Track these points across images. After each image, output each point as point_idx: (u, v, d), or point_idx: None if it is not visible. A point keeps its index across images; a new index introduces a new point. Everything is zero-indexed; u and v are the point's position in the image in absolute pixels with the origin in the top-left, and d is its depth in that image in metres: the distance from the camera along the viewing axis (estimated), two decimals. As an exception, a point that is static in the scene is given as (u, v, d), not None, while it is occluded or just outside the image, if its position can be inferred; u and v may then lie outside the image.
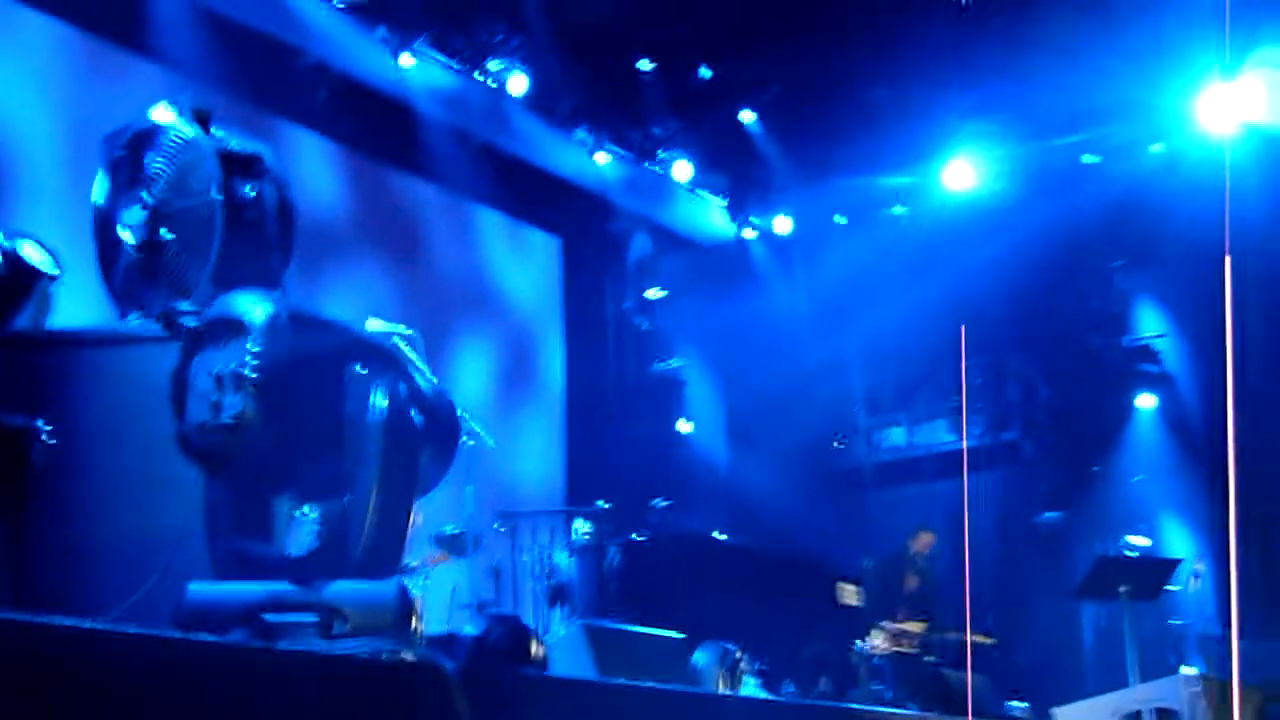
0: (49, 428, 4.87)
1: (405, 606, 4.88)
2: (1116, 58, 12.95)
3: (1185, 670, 10.94)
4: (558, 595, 11.02)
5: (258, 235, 5.87)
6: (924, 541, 12.54)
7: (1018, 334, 15.07)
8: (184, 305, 5.66)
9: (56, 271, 5.90)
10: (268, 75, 11.32)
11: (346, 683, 4.40)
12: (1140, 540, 12.55)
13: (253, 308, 5.13)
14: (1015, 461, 15.39)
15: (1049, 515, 15.06)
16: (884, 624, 11.81)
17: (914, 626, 12.03)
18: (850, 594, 11.77)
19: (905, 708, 11.14)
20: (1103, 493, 14.76)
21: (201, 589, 4.84)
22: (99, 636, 3.77)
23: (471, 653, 5.37)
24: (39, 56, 10.18)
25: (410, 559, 9.92)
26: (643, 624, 8.71)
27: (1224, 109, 13.30)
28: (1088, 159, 14.53)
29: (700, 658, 8.47)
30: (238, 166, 5.87)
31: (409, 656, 4.73)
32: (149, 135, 5.95)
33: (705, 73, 14.31)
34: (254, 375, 4.98)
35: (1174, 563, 11.86)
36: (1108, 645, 12.97)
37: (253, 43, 11.21)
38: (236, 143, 5.97)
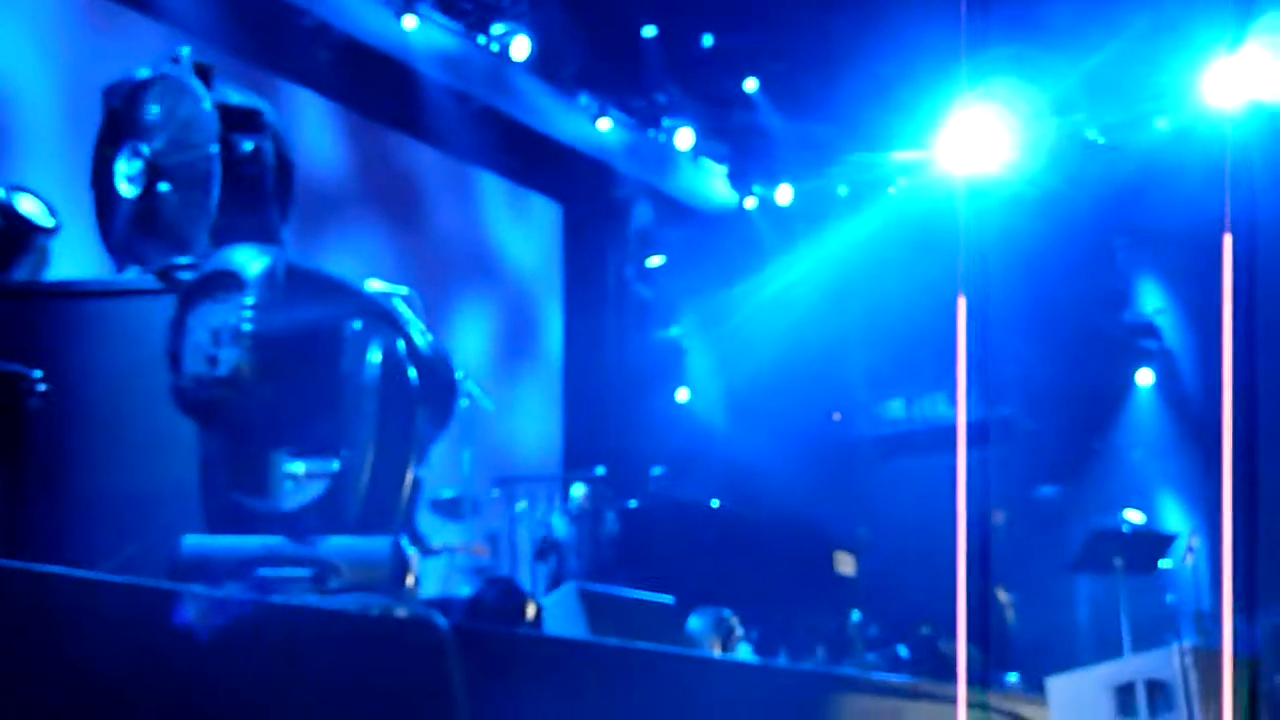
0: (42, 377, 4.85)
1: (400, 563, 4.87)
2: (1121, 33, 12.90)
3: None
4: (552, 560, 11.03)
5: (256, 190, 5.84)
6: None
7: (1018, 308, 15.04)
8: (181, 259, 5.63)
9: (53, 224, 5.89)
10: (269, 34, 11.27)
11: (339, 637, 4.40)
12: (1136, 515, 12.54)
13: (250, 262, 5.11)
14: (1014, 436, 15.38)
15: (1047, 490, 15.06)
16: None
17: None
18: (847, 564, 11.78)
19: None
20: (1101, 468, 14.77)
21: (196, 542, 4.83)
22: (93, 586, 3.77)
23: (467, 613, 5.37)
24: (38, 9, 10.13)
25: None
26: (639, 590, 8.71)
27: (1230, 84, 13.24)
28: (1091, 134, 14.47)
29: (695, 623, 8.48)
30: (237, 121, 5.84)
31: (402, 612, 4.72)
32: (148, 87, 5.92)
33: (709, 40, 14.26)
34: (250, 329, 4.96)
35: (1169, 537, 11.87)
36: (1103, 620, 12.98)
37: (256, 1, 11.16)
38: (237, 97, 5.94)
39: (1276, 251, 13.09)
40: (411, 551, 5.05)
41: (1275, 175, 12.91)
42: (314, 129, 11.95)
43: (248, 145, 5.84)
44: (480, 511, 10.86)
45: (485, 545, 10.45)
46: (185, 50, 6.01)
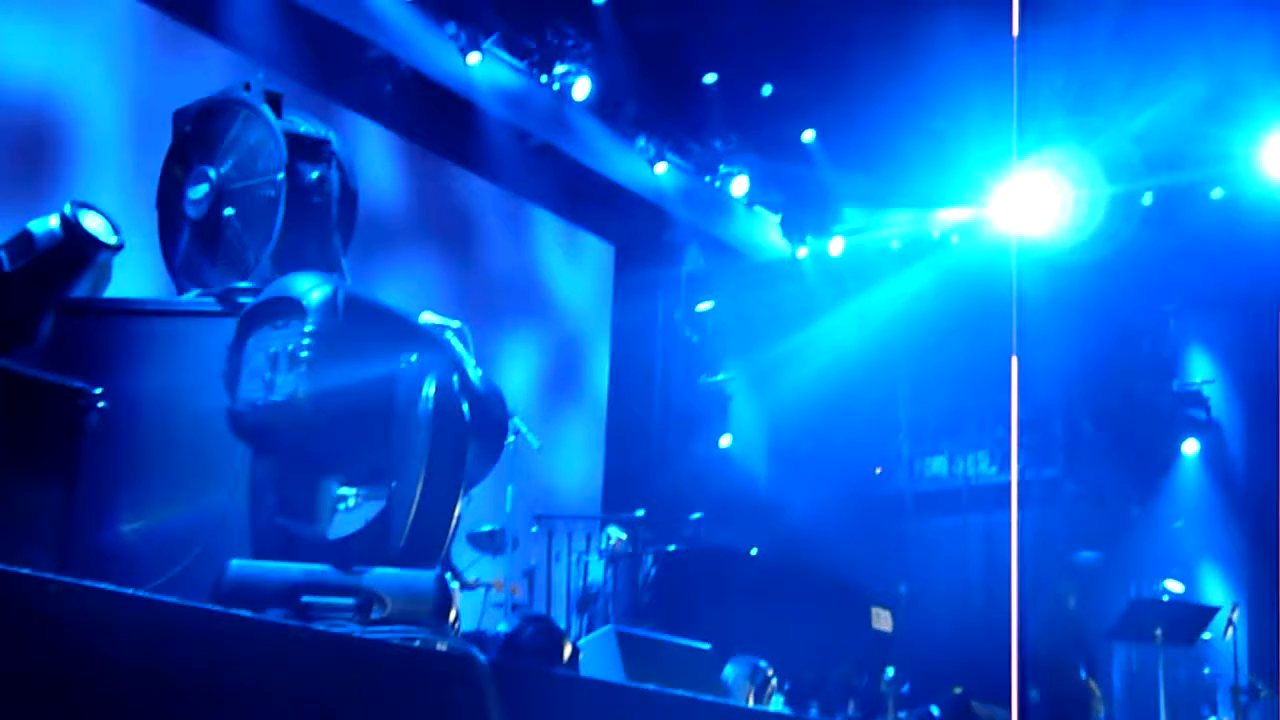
0: (101, 393, 4.90)
1: (444, 597, 4.88)
2: (1181, 101, 12.88)
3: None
4: (589, 600, 11.02)
5: (320, 218, 5.89)
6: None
7: (1067, 371, 14.97)
8: (242, 283, 5.68)
9: (117, 241, 5.94)
10: (336, 64, 11.40)
11: (380, 668, 4.40)
12: (1176, 585, 12.46)
13: (311, 289, 5.14)
14: (1056, 498, 15.29)
15: (1086, 554, 14.96)
16: None
17: None
18: (884, 620, 11.72)
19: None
20: (1142, 535, 14.66)
21: (242, 566, 4.86)
22: (139, 605, 3.79)
23: (504, 649, 5.37)
24: (110, 30, 10.26)
25: (463, 568, 9.98)
26: (674, 634, 8.69)
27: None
28: (1148, 199, 14.44)
29: (730, 671, 8.46)
30: (305, 149, 5.90)
31: (443, 646, 4.73)
32: (218, 112, 5.99)
33: (768, 89, 14.31)
34: (308, 356, 4.99)
35: (1210, 610, 11.77)
36: (1138, 690, 12.88)
37: (323, 31, 11.28)
38: (305, 126, 6.00)
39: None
40: (454, 586, 5.06)
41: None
42: (375, 159, 12.05)
43: (313, 174, 5.89)
44: (519, 547, 10.86)
45: (519, 584, 10.44)
46: (257, 77, 6.08)
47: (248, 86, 5.96)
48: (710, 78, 14.03)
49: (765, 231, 16.02)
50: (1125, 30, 12.28)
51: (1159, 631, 10.96)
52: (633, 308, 15.05)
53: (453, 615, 4.91)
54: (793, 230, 15.92)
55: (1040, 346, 14.04)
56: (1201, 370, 14.88)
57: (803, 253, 16.02)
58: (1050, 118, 13.12)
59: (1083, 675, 10.92)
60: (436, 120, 12.56)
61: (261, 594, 4.75)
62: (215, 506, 5.25)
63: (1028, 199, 14.42)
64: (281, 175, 5.74)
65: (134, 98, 10.14)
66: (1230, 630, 12.21)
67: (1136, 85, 12.62)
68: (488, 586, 10.13)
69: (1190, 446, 14.82)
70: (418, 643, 4.70)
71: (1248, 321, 13.50)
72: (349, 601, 4.79)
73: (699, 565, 11.01)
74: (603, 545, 11.39)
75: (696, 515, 12.70)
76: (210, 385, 5.25)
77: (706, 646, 8.12)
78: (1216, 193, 14.20)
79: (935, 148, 14.19)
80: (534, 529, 11.33)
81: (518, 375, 13.28)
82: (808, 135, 14.82)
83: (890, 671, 11.62)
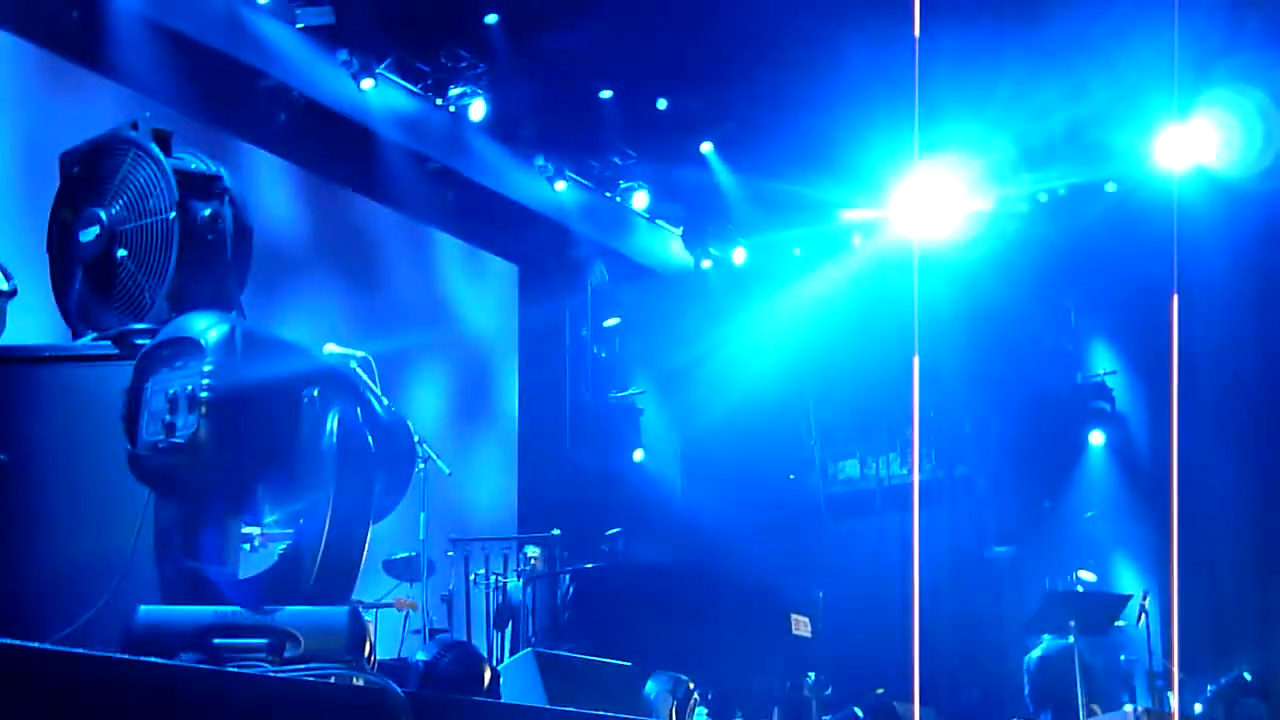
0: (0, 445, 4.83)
1: (358, 632, 4.84)
2: (1073, 97, 13.07)
3: (1127, 708, 11.02)
4: (508, 623, 10.99)
5: (215, 256, 5.83)
6: None
7: (972, 369, 15.13)
8: (138, 325, 5.61)
9: (9, 288, 5.85)
10: (228, 95, 11.31)
11: (297, 707, 4.37)
12: (1088, 575, 12.62)
13: (208, 328, 5.09)
14: (967, 495, 15.44)
15: (999, 549, 15.12)
16: None
17: None
18: (803, 625, 11.76)
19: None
20: (1053, 528, 14.83)
21: (151, 611, 4.79)
22: (48, 657, 3.74)
23: (423, 679, 5.34)
24: (-8, 71, 10.13)
25: (379, 595, 9.92)
26: (595, 653, 8.68)
27: (1177, 150, 13.48)
28: (1044, 196, 14.64)
29: (652, 687, 8.46)
30: (196, 187, 5.84)
31: (360, 682, 4.70)
32: (106, 152, 5.91)
33: (663, 103, 14.37)
34: (208, 395, 4.93)
35: (1123, 598, 11.93)
36: (1056, 679, 13.00)
37: (213, 62, 11.19)
38: (195, 163, 5.94)
39: (1220, 311, 13.29)
40: (368, 619, 5.03)
41: (1219, 238, 13.12)
42: (271, 189, 11.97)
43: (206, 211, 5.82)
44: (435, 572, 10.82)
45: (413, 600, 10.36)
46: (145, 115, 6.01)
47: (135, 126, 5.89)
48: (606, 94, 14.07)
49: (668, 244, 16.08)
50: (1019, 28, 12.44)
51: (1073, 622, 11.09)
52: (539, 327, 15.04)
53: (368, 649, 4.87)
54: (695, 242, 15.99)
55: (945, 345, 14.25)
56: (1104, 362, 15.09)
57: (706, 264, 16.09)
58: (946, 118, 13.27)
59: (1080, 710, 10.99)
60: (333, 148, 12.50)
61: (173, 639, 4.69)
62: (122, 552, 5.17)
63: (926, 200, 14.58)
64: (174, 214, 5.67)
65: (19, 138, 10.00)
66: (1143, 617, 12.39)
67: (1030, 83, 12.77)
68: (385, 606, 10.05)
69: (1096, 438, 15.02)
70: (333, 679, 4.66)
71: (1146, 312, 13.70)
72: (262, 642, 4.74)
73: (617, 582, 11.01)
74: (520, 566, 11.36)
75: (613, 531, 12.70)
76: (111, 430, 5.18)
77: (627, 664, 8.12)
78: (1110, 186, 14.42)
79: (834, 152, 14.30)
80: (450, 553, 11.29)
81: (426, 400, 13.23)
82: (705, 147, 14.90)
83: (812, 676, 11.68)
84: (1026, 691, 11.93)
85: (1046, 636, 11.63)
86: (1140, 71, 12.39)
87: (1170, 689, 12.05)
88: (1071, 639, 11.07)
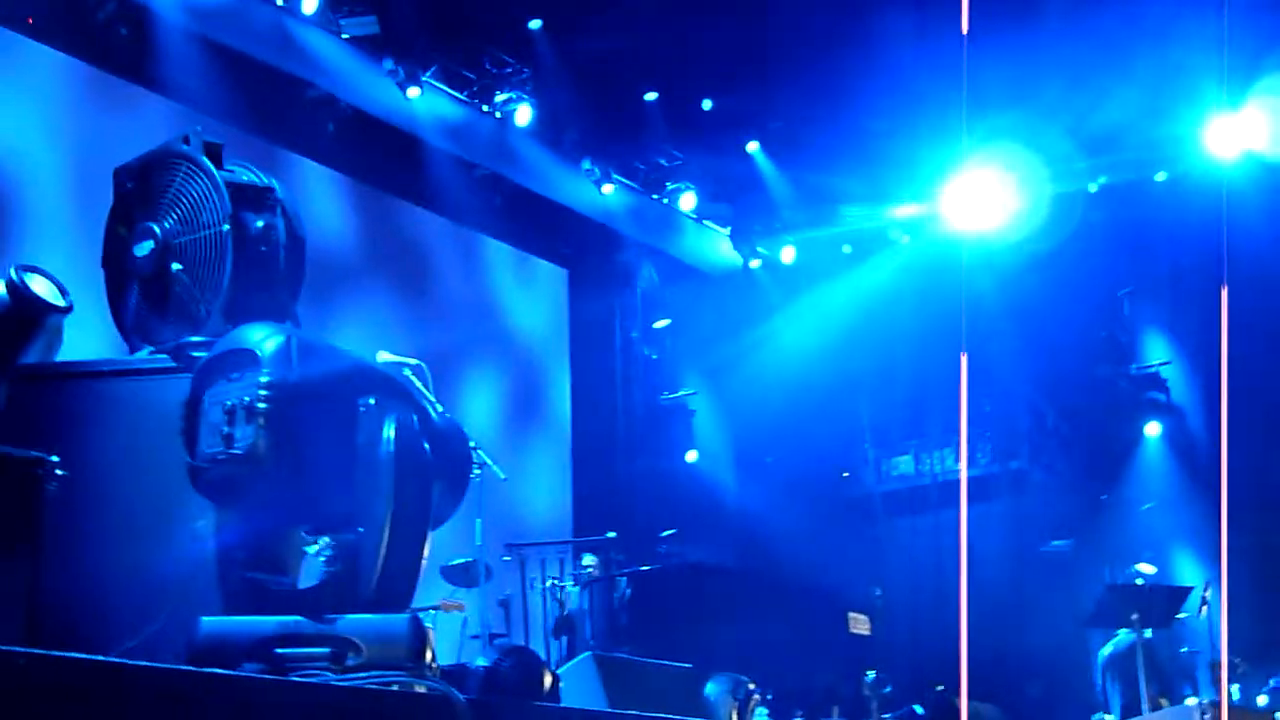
0: (59, 461, 4.86)
1: (419, 639, 4.86)
2: (1123, 86, 12.97)
3: (1190, 700, 10.92)
4: (566, 627, 11.01)
5: (268, 268, 5.86)
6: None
7: (1026, 362, 15.05)
8: (194, 338, 5.65)
9: (65, 304, 5.89)
10: (275, 108, 11.38)
11: (361, 715, 4.39)
12: (1148, 568, 12.51)
13: (264, 340, 5.12)
14: (1023, 489, 15.35)
15: (1057, 543, 15.01)
16: None
17: None
18: (861, 624, 11.74)
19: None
20: (1111, 520, 14.73)
21: (213, 623, 4.82)
22: (113, 670, 3.77)
23: (483, 684, 5.35)
24: (45, 90, 10.22)
25: (425, 600, 9.93)
26: (653, 655, 8.68)
27: (1228, 138, 13.36)
28: (1094, 187, 14.54)
29: (712, 689, 8.45)
30: (248, 199, 5.87)
31: (421, 689, 4.71)
32: (159, 167, 5.95)
33: (708, 103, 14.36)
34: (265, 407, 4.96)
35: (1184, 590, 11.83)
36: (1119, 673, 12.91)
37: (260, 75, 11.27)
38: (247, 175, 5.97)
39: (1273, 302, 13.16)
40: (428, 626, 5.04)
41: (1271, 226, 13.00)
42: (321, 199, 12.02)
43: (259, 223, 5.86)
44: (493, 577, 10.84)
45: (460, 601, 10.35)
46: (196, 129, 6.05)
47: (187, 140, 5.92)
48: (651, 95, 14.07)
49: (716, 245, 16.06)
50: (1067, 20, 12.38)
51: (1135, 615, 11.00)
52: (590, 330, 15.05)
53: (429, 656, 4.88)
54: (743, 241, 15.96)
55: (999, 339, 14.16)
56: (1158, 352, 14.97)
57: (755, 264, 16.07)
58: (995, 112, 13.20)
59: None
60: (381, 157, 12.55)
61: (235, 649, 4.72)
62: (184, 565, 5.21)
63: (977, 195, 14.50)
64: (227, 227, 5.71)
65: (73, 156, 10.09)
66: (1204, 608, 12.28)
67: (1080, 73, 12.70)
68: (436, 609, 10.05)
69: (1152, 429, 14.91)
70: (395, 687, 4.68)
71: (1199, 301, 13.59)
72: (324, 651, 4.77)
73: (673, 584, 11.03)
74: (576, 570, 11.38)
75: (668, 533, 12.70)
76: (170, 443, 5.22)
77: (687, 665, 8.12)
78: (1161, 176, 14.31)
79: (882, 148, 14.25)
80: (506, 558, 11.31)
81: (480, 406, 13.26)
82: (752, 146, 14.87)
83: (871, 675, 11.64)
84: (1099, 686, 11.83)
85: (1123, 631, 11.48)
86: (1190, 59, 12.29)
87: (1231, 681, 11.94)
88: (1138, 633, 10.98)
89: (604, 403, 15.04)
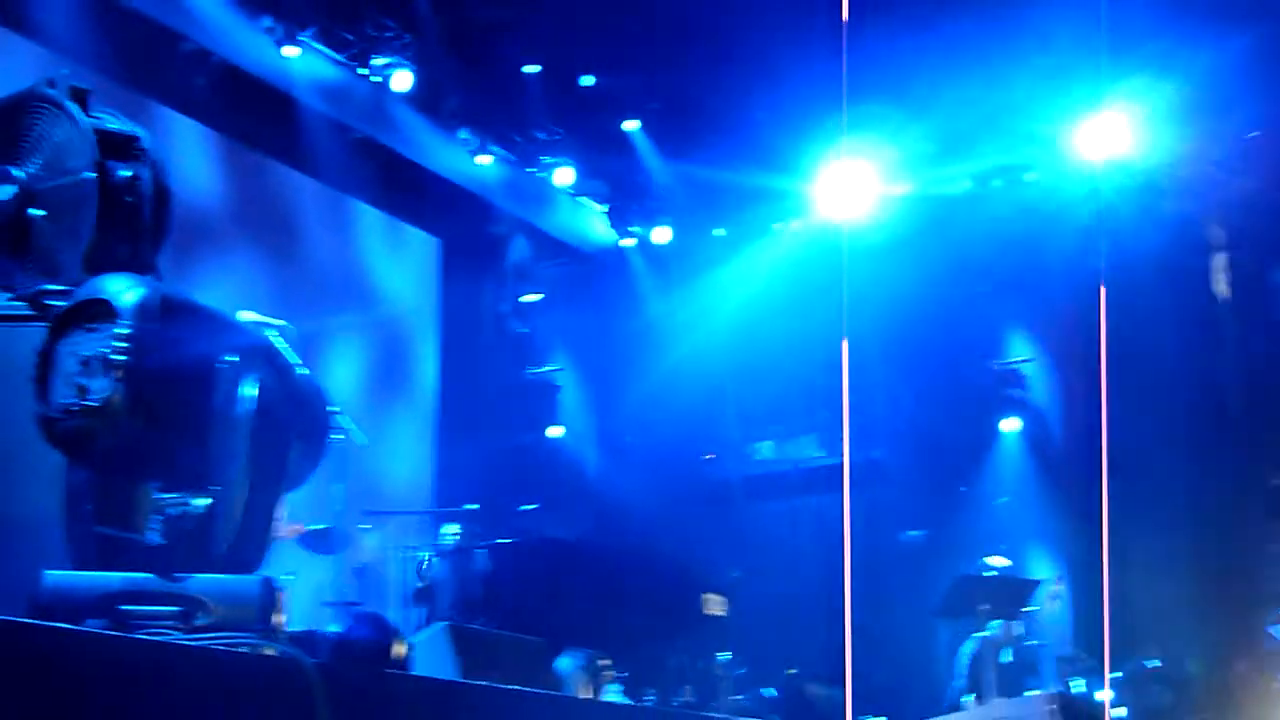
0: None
1: (269, 601, 4.80)
2: (995, 86, 13.15)
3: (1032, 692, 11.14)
4: (422, 597, 10.95)
5: (132, 219, 5.74)
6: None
7: (888, 353, 15.20)
8: (53, 286, 5.53)
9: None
10: (148, 58, 11.13)
11: (207, 676, 4.33)
12: (1000, 560, 12.73)
13: (124, 291, 5.02)
14: (882, 479, 15.52)
15: (912, 533, 15.21)
16: None
17: None
18: (717, 605, 11.81)
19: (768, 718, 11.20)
20: (967, 513, 14.95)
21: (58, 577, 4.73)
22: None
23: (334, 650, 5.30)
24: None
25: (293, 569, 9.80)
26: (508, 628, 8.67)
27: (1096, 142, 13.61)
28: (965, 185, 14.74)
29: (565, 664, 8.46)
30: (115, 147, 5.74)
31: (270, 651, 4.66)
32: (22, 110, 5.81)
33: (590, 80, 14.33)
34: (123, 360, 4.87)
35: (1033, 584, 12.05)
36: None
37: (134, 24, 11.00)
38: (114, 123, 5.85)
39: (1135, 300, 13.44)
40: (280, 589, 4.98)
41: (1134, 229, 13.28)
42: (191, 155, 11.79)
43: (125, 172, 5.73)
44: (349, 544, 10.76)
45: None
46: (62, 73, 5.91)
47: (52, 83, 5.78)
48: (532, 69, 14.01)
49: (591, 222, 16.04)
50: (943, 17, 12.51)
51: (984, 607, 11.20)
52: (459, 301, 14.95)
53: (280, 619, 4.83)
54: (618, 220, 15.97)
55: (864, 329, 14.31)
56: (1019, 350, 15.21)
57: (628, 242, 16.08)
58: (871, 104, 13.32)
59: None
60: (254, 115, 12.32)
61: (80, 605, 4.63)
62: (30, 516, 5.10)
63: (849, 186, 14.62)
64: (91, 174, 5.58)
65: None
66: (1054, 603, 12.54)
67: (953, 70, 12.84)
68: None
69: (1011, 424, 15.15)
70: (244, 649, 4.62)
71: (1063, 301, 13.84)
72: (172, 609, 4.70)
73: (531, 558, 11.01)
74: (435, 541, 11.32)
75: (529, 507, 12.68)
76: (21, 392, 5.10)
77: (540, 640, 8.12)
78: (1031, 175, 14.54)
79: (760, 135, 14.32)
80: (365, 526, 11.23)
81: (344, 372, 13.13)
82: (630, 125, 14.87)
83: (725, 656, 11.73)
84: (959, 678, 11.99)
85: (994, 623, 11.60)
86: (1064, 56, 12.50)
87: (1075, 675, 12.21)
88: (1003, 626, 11.18)
89: (470, 374, 14.95)
